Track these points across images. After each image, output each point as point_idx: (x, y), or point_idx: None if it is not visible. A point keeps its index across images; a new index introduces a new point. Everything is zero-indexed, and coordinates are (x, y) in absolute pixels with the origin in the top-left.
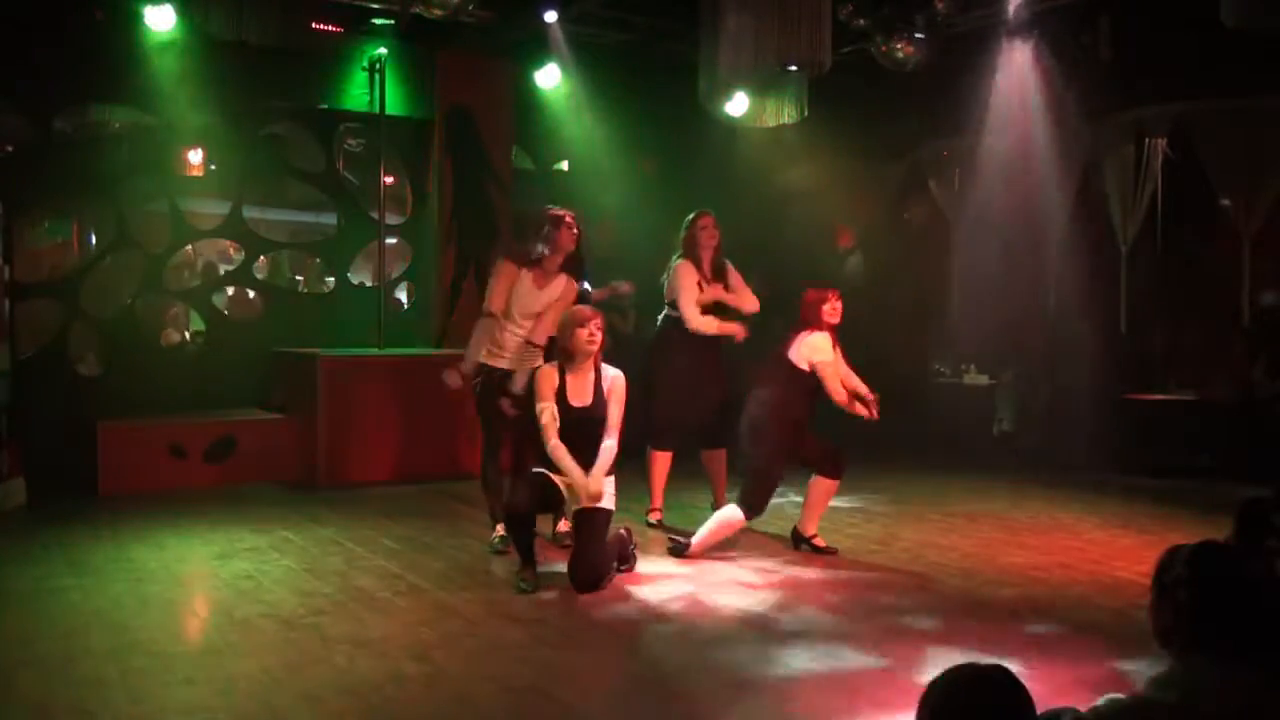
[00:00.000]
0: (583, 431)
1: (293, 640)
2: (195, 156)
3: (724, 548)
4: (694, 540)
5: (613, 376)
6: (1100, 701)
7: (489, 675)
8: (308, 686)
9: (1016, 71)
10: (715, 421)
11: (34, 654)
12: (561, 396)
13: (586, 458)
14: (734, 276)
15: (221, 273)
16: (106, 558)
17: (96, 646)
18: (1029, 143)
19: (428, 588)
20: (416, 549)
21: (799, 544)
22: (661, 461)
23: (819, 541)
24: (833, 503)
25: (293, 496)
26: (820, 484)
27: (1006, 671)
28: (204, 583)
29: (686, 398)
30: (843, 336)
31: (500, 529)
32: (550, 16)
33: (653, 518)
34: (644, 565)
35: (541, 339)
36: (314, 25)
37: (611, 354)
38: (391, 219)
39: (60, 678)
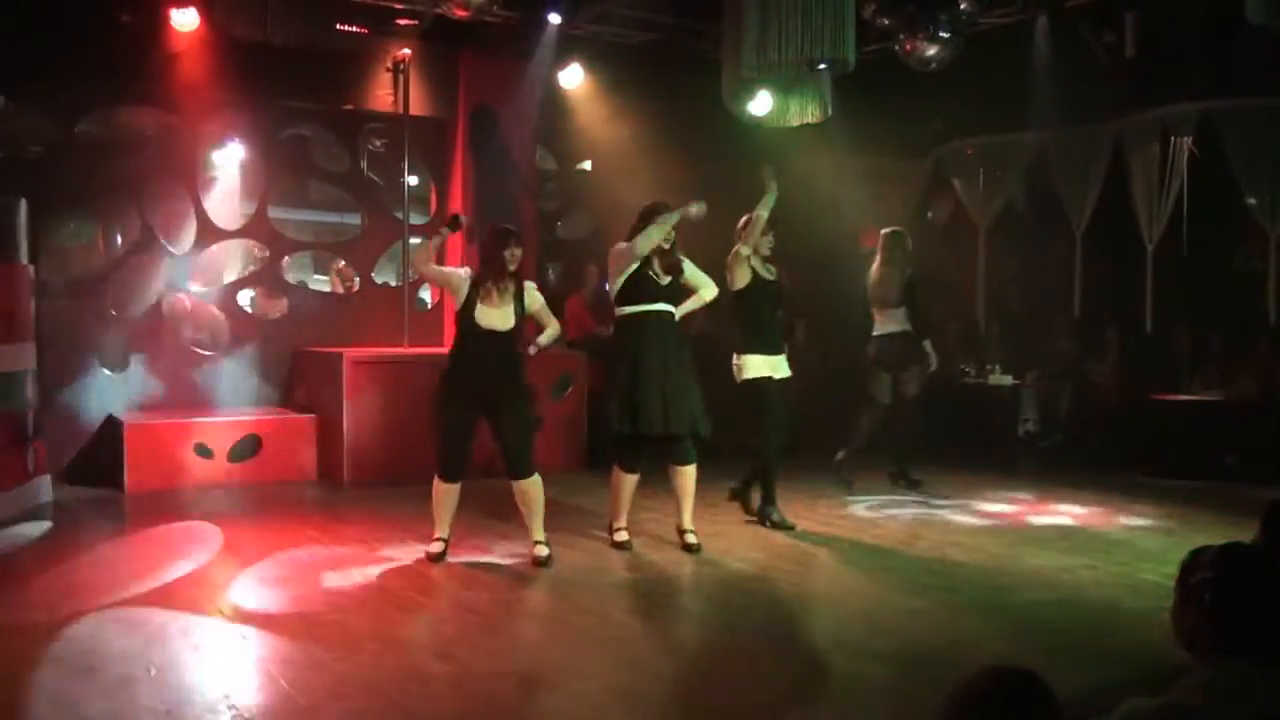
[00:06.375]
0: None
1: (317, 637)
2: (220, 157)
3: (736, 545)
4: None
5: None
6: (1125, 705)
7: (511, 673)
8: (332, 684)
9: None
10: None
11: (60, 651)
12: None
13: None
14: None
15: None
16: (132, 555)
17: (122, 643)
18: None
19: (451, 586)
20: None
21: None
22: (632, 483)
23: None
24: (856, 500)
25: (317, 495)
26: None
27: (1033, 674)
28: (228, 580)
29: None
30: (866, 337)
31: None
32: (554, 19)
33: (619, 538)
34: (663, 563)
35: None
36: (338, 26)
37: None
38: (415, 219)
39: (86, 675)
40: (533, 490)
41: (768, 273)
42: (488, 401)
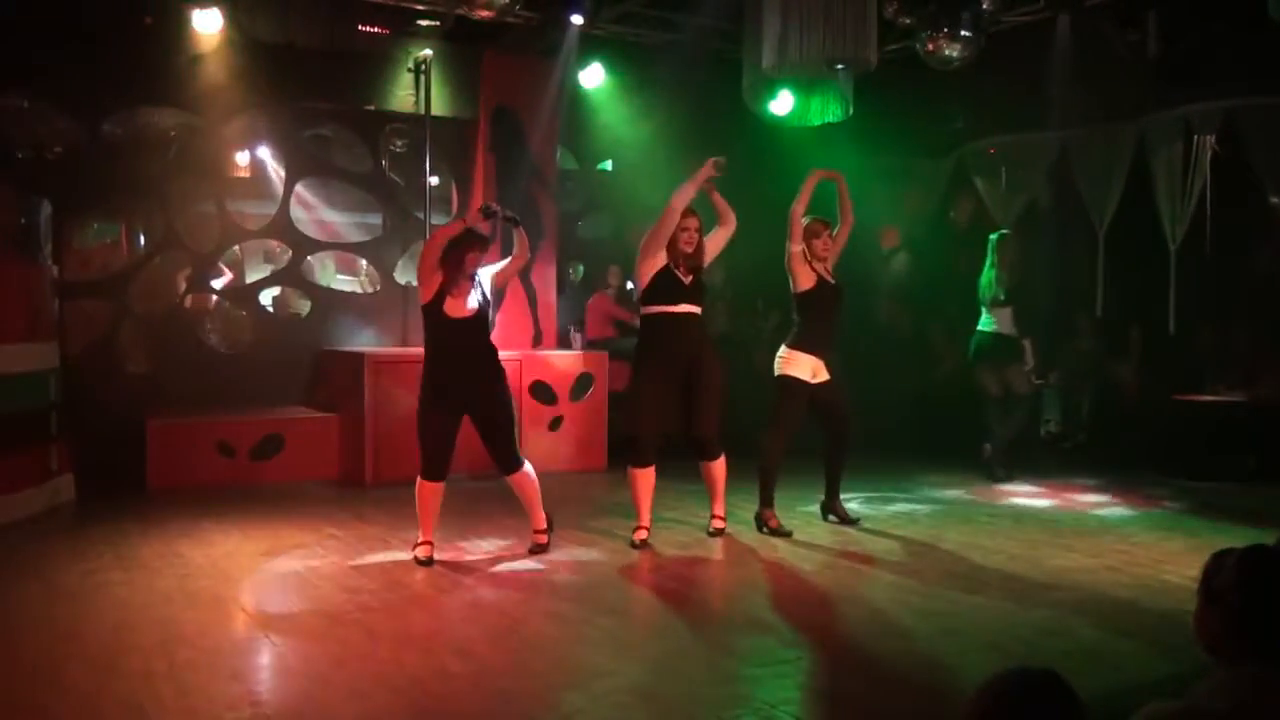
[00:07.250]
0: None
1: (339, 636)
2: (242, 158)
3: (757, 545)
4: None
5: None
6: (1145, 708)
7: (533, 672)
8: (353, 682)
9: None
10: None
11: (83, 647)
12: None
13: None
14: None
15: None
16: (154, 553)
17: (145, 640)
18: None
19: (472, 584)
20: (462, 546)
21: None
22: (644, 479)
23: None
24: (878, 501)
25: (339, 494)
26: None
27: (1057, 676)
28: (250, 579)
29: (664, 405)
30: (887, 338)
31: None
32: (577, 20)
33: (638, 537)
34: (684, 563)
35: None
36: (360, 27)
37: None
38: (437, 219)
39: (109, 671)
40: (526, 480)
41: (830, 275)
42: (468, 397)
